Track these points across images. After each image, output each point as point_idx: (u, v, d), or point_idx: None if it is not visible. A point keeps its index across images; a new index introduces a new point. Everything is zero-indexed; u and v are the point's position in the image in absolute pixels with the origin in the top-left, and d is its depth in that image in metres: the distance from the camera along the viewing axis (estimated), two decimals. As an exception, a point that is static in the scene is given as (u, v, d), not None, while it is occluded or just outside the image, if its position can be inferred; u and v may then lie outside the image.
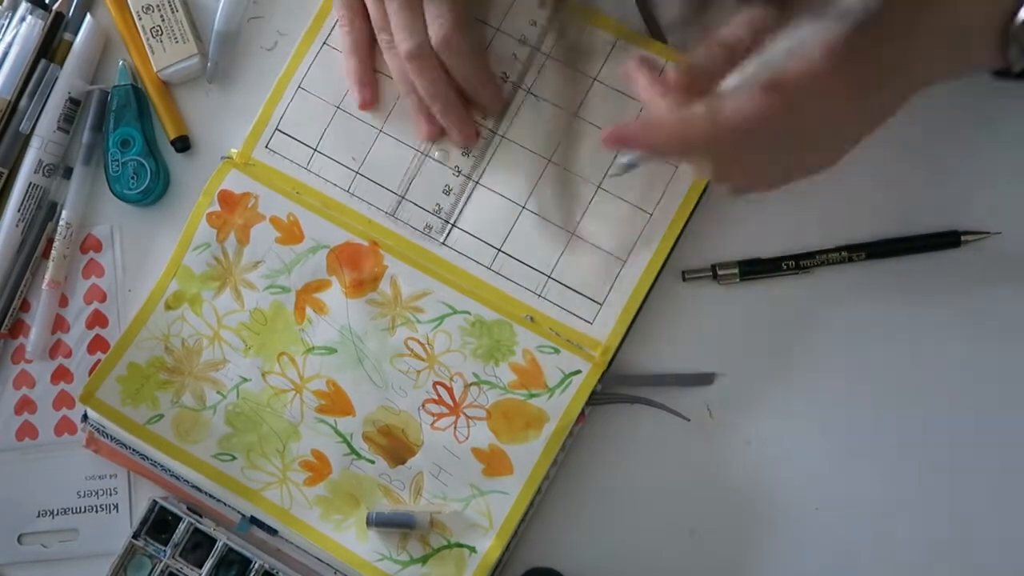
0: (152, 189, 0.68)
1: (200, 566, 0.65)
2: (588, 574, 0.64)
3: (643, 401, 0.64)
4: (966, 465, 0.63)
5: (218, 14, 0.68)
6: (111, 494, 0.67)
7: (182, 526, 0.65)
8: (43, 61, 0.68)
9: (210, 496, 0.65)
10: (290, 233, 0.66)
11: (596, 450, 0.65)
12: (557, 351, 0.63)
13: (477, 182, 0.65)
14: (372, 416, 0.64)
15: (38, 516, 0.67)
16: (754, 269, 0.64)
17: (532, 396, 0.63)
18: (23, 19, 0.68)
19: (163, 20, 0.68)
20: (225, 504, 0.65)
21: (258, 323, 0.65)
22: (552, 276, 0.64)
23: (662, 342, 0.65)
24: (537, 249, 0.65)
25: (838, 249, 0.64)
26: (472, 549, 0.62)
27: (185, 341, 0.66)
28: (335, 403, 0.64)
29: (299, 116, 0.67)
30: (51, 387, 0.68)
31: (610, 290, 0.64)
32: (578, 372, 0.63)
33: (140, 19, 0.68)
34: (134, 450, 0.65)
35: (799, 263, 0.64)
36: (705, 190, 0.64)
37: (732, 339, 0.65)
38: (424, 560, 0.62)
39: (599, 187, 0.64)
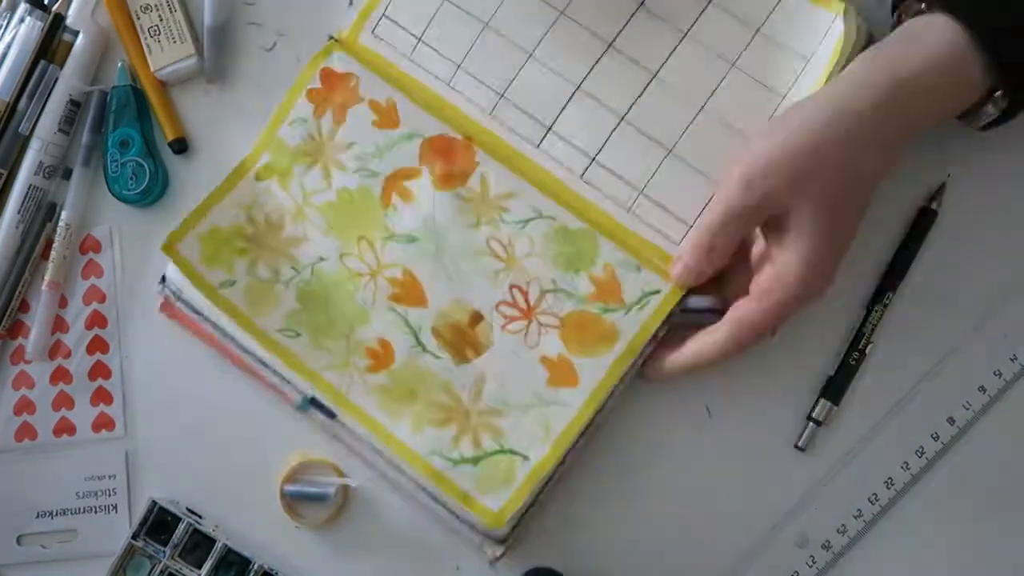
0: (151, 190, 0.67)
1: (199, 567, 0.64)
2: (588, 574, 0.64)
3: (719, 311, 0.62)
4: (965, 462, 0.63)
5: (206, 9, 0.68)
6: (110, 494, 0.67)
7: (181, 527, 0.65)
8: (42, 62, 0.68)
9: (273, 372, 0.64)
10: (387, 118, 0.65)
11: (594, 451, 0.65)
12: (639, 268, 0.62)
13: (579, 87, 0.64)
14: (444, 311, 0.63)
15: (37, 517, 0.67)
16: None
17: (607, 311, 0.62)
18: (22, 20, 0.68)
19: (161, 20, 0.68)
20: (287, 382, 0.64)
21: (344, 203, 0.65)
22: (644, 192, 0.63)
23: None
24: (631, 163, 0.64)
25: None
26: (525, 457, 0.62)
27: (268, 213, 0.65)
28: (409, 293, 0.64)
29: (407, 4, 0.66)
30: (50, 388, 0.68)
31: (700, 213, 0.63)
32: (657, 292, 0.62)
33: (138, 19, 0.68)
34: (206, 317, 0.64)
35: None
36: None
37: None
38: (475, 461, 0.62)
39: (702, 108, 0.63)
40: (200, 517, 0.66)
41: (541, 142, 0.65)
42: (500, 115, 0.65)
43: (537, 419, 0.62)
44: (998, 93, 0.57)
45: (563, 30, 0.65)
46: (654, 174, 0.63)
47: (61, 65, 0.68)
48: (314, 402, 0.63)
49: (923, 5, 0.58)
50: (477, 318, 0.63)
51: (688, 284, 0.61)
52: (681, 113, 0.64)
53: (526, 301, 0.63)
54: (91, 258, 0.69)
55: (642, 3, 0.64)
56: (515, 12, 0.65)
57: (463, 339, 0.63)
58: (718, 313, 0.60)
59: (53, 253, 0.68)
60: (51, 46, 0.68)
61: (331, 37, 0.67)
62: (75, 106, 0.69)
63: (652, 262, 0.62)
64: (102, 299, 0.68)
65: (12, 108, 0.67)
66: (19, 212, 0.67)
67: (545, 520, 0.64)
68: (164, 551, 0.65)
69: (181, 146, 0.68)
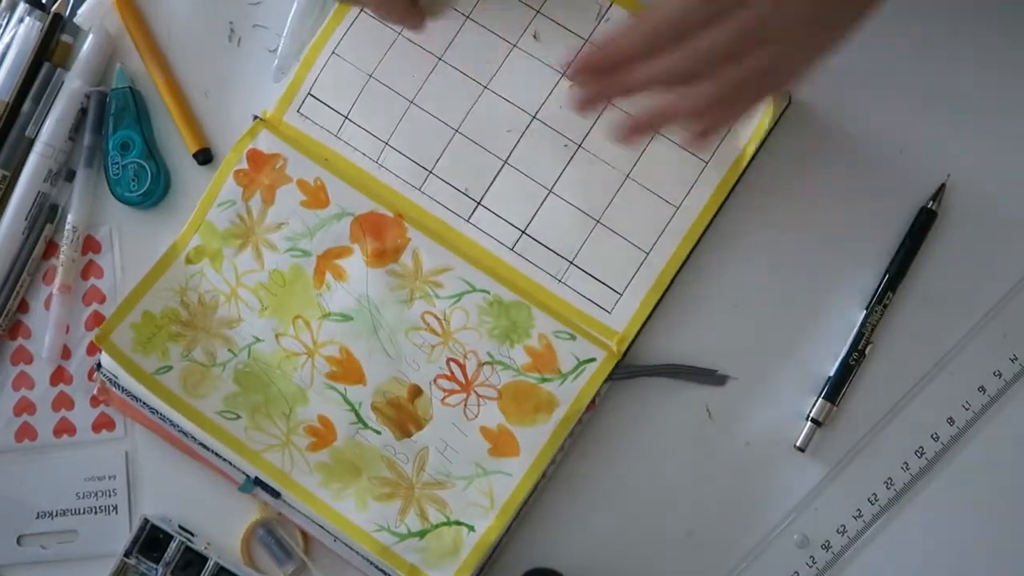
0: (153, 191, 0.68)
1: (192, 585, 0.65)
2: (588, 574, 0.64)
3: (665, 372, 0.64)
4: (965, 463, 0.63)
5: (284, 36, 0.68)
6: (110, 495, 0.67)
7: (173, 544, 0.64)
8: (47, 65, 0.68)
9: (215, 455, 0.64)
10: (316, 198, 0.65)
11: (595, 451, 0.65)
12: (573, 337, 0.63)
13: (506, 162, 0.65)
14: (383, 387, 0.64)
15: (37, 517, 0.67)
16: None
17: (544, 380, 0.63)
18: (21, 20, 0.68)
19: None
20: (230, 464, 0.64)
21: (276, 284, 0.65)
22: (574, 262, 0.64)
23: (676, 337, 0.65)
24: (561, 234, 0.64)
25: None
26: (471, 528, 0.62)
27: (202, 296, 0.65)
28: (347, 371, 0.64)
29: (332, 82, 0.66)
30: (50, 388, 0.68)
31: (631, 281, 0.63)
32: (592, 360, 0.63)
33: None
34: (144, 403, 0.65)
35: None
36: (734, 187, 0.63)
37: (745, 340, 0.65)
38: (422, 535, 0.62)
39: (628, 176, 0.64)
40: (192, 535, 0.65)
41: (471, 216, 0.65)
42: (429, 191, 0.65)
43: (481, 489, 0.62)
44: None
45: (487, 105, 0.65)
46: (583, 244, 0.64)
47: (59, 65, 0.68)
48: (258, 482, 0.64)
49: None
50: (416, 392, 0.64)
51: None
52: (607, 182, 0.64)
53: (464, 374, 0.64)
54: (91, 259, 0.69)
55: (563, 74, 0.65)
56: (439, 89, 0.66)
57: (403, 414, 0.64)
58: (662, 372, 0.63)
59: (62, 257, 0.68)
60: (50, 46, 0.68)
61: (256, 117, 0.67)
62: (84, 114, 0.69)
63: (585, 331, 0.63)
64: (102, 300, 0.68)
65: (14, 109, 0.68)
66: (21, 213, 0.68)
67: (545, 520, 0.64)
68: (156, 568, 0.64)
69: (206, 157, 0.68)
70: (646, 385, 0.64)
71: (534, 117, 0.65)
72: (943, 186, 0.64)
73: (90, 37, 0.68)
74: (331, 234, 0.65)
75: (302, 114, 0.67)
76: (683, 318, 0.65)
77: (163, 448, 0.67)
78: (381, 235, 0.65)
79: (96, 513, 0.67)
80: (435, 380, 0.64)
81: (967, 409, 0.62)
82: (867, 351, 0.63)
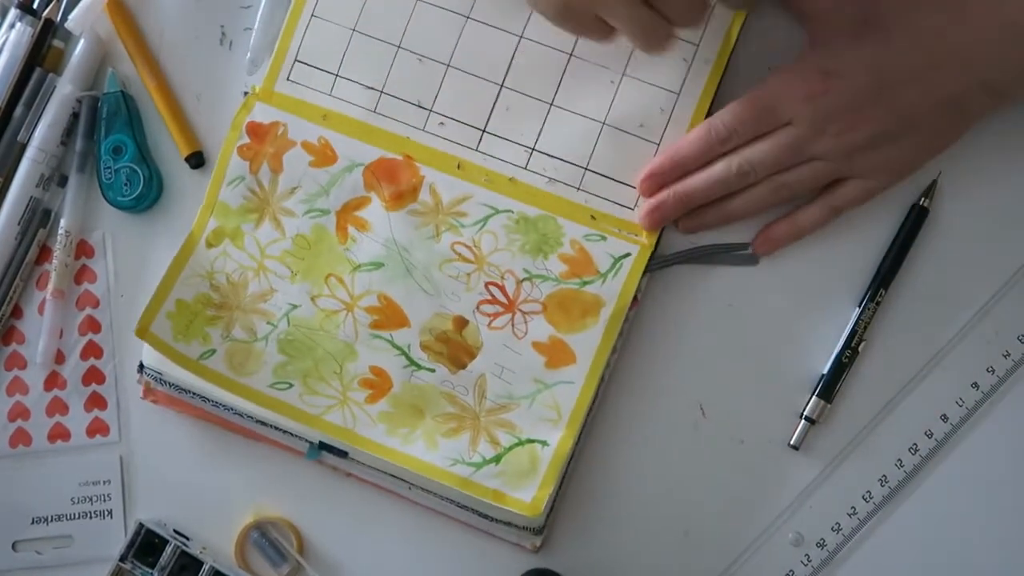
0: (146, 195, 0.68)
1: (188, 589, 0.65)
2: (586, 574, 0.64)
3: (700, 254, 0.64)
4: (959, 459, 0.63)
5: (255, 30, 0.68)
6: (105, 500, 0.67)
7: (168, 548, 0.64)
8: (38, 70, 0.68)
9: (275, 429, 0.64)
10: (323, 155, 0.66)
11: (590, 450, 0.65)
12: (604, 238, 0.63)
13: (503, 86, 0.65)
14: (428, 324, 0.64)
15: (32, 523, 0.67)
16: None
17: (585, 284, 0.63)
18: (12, 25, 0.68)
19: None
20: (291, 435, 0.64)
21: (301, 248, 0.65)
22: (588, 168, 0.64)
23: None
24: (570, 144, 0.65)
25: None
26: (544, 443, 0.62)
27: (230, 276, 0.65)
28: (389, 317, 0.64)
29: (316, 44, 0.67)
30: (44, 394, 0.68)
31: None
32: (628, 255, 0.63)
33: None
34: (193, 393, 0.65)
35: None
36: (730, 58, 0.63)
37: (738, 336, 0.65)
38: (497, 459, 0.62)
39: (624, 74, 0.64)
40: (187, 539, 0.65)
41: (479, 145, 0.65)
42: (432, 128, 0.66)
43: (546, 403, 0.62)
44: None
45: (473, 34, 0.65)
46: (593, 149, 0.64)
47: (51, 70, 0.68)
48: (323, 446, 0.64)
49: None
50: (462, 323, 0.64)
51: None
52: (604, 84, 0.64)
53: (504, 295, 0.64)
54: (85, 263, 0.69)
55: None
56: (423, 28, 0.66)
57: (454, 347, 0.64)
58: (696, 254, 0.64)
59: (55, 261, 0.68)
60: (41, 51, 0.68)
61: (246, 93, 0.67)
62: (76, 119, 0.69)
63: (613, 231, 0.63)
64: (96, 304, 0.68)
65: (5, 115, 0.68)
66: (15, 219, 0.68)
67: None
68: (152, 573, 0.64)
69: (198, 160, 0.68)
70: (640, 384, 0.64)
71: (521, 36, 0.65)
72: (935, 183, 0.64)
73: (81, 42, 0.68)
74: (345, 188, 0.65)
75: (292, 81, 0.67)
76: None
77: (158, 452, 0.67)
78: (395, 178, 0.65)
79: (91, 518, 0.67)
80: (478, 307, 0.64)
81: (961, 406, 0.63)
82: (860, 348, 0.63)
